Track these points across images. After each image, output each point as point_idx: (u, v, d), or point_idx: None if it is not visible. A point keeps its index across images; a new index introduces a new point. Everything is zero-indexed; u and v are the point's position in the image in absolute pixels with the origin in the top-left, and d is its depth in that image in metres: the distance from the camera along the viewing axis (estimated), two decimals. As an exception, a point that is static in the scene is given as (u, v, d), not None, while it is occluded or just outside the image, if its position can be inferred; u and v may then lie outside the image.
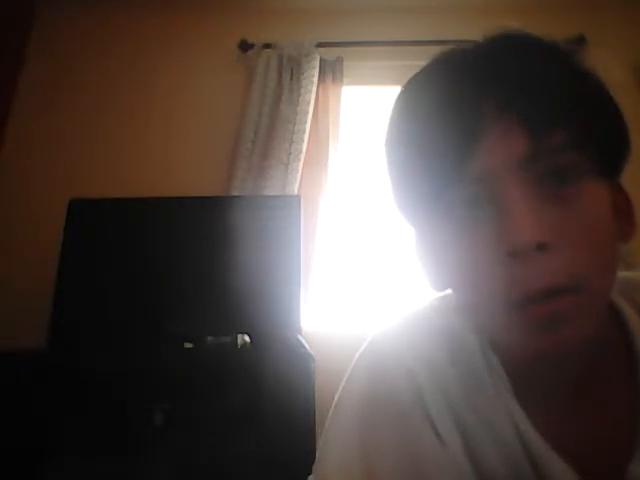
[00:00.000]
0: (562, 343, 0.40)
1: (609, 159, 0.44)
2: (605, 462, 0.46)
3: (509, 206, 0.40)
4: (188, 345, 1.49)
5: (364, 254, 2.07)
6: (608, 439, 0.46)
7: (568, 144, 0.41)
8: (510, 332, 0.42)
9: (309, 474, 0.52)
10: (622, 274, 0.53)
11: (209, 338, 1.52)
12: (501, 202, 0.41)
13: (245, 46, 2.22)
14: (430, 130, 0.43)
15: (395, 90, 0.49)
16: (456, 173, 0.41)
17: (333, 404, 0.51)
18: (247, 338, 1.52)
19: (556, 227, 0.39)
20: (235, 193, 1.94)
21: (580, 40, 2.12)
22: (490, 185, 0.41)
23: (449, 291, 0.50)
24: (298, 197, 1.84)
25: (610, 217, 0.43)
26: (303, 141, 2.01)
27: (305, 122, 2.03)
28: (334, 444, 0.49)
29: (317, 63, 2.13)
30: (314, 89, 2.09)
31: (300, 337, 1.58)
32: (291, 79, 2.12)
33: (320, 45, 2.16)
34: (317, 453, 0.50)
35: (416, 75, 0.48)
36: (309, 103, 2.06)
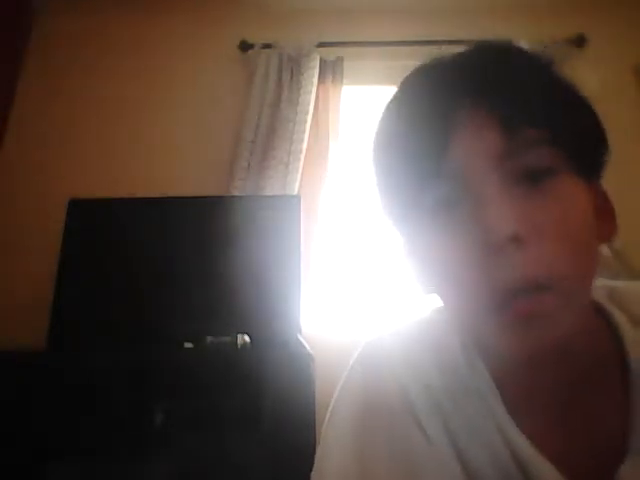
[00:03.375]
0: (542, 341, 0.40)
1: (586, 159, 0.45)
2: (595, 465, 0.46)
3: (484, 202, 0.40)
4: (188, 345, 1.49)
5: (364, 255, 2.06)
6: (599, 442, 0.46)
7: (542, 139, 0.41)
8: (493, 334, 0.42)
9: (309, 474, 0.52)
10: (615, 283, 0.54)
11: (209, 338, 1.52)
12: (477, 199, 0.41)
13: (245, 46, 2.22)
14: (408, 132, 0.44)
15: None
16: (433, 172, 0.42)
17: (328, 412, 0.53)
18: (247, 338, 1.52)
19: (532, 221, 0.39)
20: (235, 193, 1.94)
21: (580, 40, 2.12)
22: (465, 182, 0.42)
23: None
24: (298, 197, 1.84)
25: (588, 213, 0.43)
26: (303, 141, 2.01)
27: (305, 122, 2.03)
28: (331, 451, 0.50)
29: (317, 63, 2.13)
30: (314, 89, 2.09)
31: (300, 337, 1.58)
32: (291, 79, 2.12)
33: (320, 45, 2.16)
34: (315, 461, 0.51)
35: (400, 83, 0.49)
36: (309, 103, 2.06)
